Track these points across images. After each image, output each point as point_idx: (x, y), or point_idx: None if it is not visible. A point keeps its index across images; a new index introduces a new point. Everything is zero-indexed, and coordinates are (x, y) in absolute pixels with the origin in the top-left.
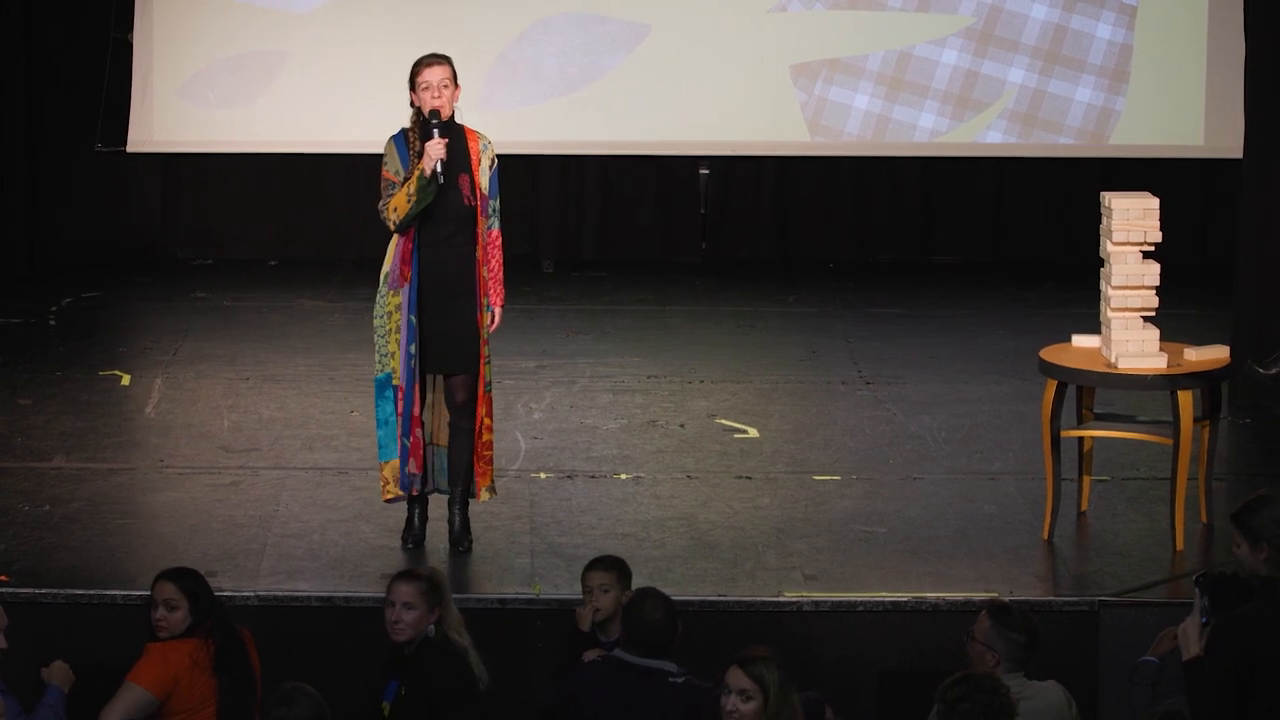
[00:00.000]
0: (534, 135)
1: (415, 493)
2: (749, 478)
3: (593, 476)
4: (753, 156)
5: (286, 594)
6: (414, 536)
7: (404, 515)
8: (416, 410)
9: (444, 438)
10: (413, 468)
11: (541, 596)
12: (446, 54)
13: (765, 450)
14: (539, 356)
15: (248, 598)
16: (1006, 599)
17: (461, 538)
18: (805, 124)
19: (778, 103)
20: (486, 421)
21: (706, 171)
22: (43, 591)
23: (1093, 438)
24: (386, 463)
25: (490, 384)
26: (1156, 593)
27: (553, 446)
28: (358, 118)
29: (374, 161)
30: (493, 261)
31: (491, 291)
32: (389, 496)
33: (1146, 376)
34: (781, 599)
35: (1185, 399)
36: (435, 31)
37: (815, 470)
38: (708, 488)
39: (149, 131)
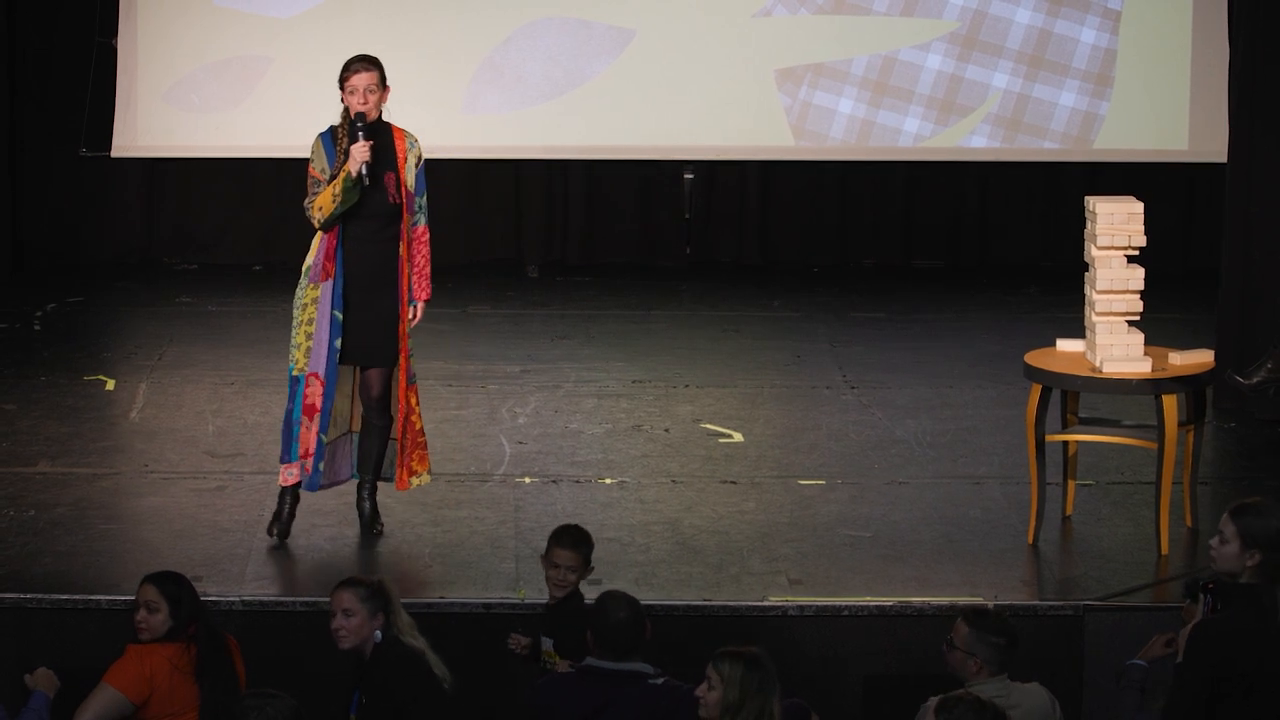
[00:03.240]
0: (518, 139)
1: (296, 485)
2: (734, 482)
3: (577, 481)
4: (737, 161)
5: (271, 599)
6: (281, 529)
7: (398, 518)
8: (319, 404)
9: (358, 423)
10: (308, 460)
11: (526, 601)
12: (375, 56)
13: (750, 455)
14: (524, 361)
15: (233, 603)
16: (986, 604)
17: (373, 521)
18: (789, 128)
19: (762, 107)
20: (416, 409)
21: (691, 176)
22: (27, 597)
23: (1077, 442)
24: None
25: (414, 376)
26: (1141, 597)
27: (537, 451)
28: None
29: None
30: (418, 257)
31: (416, 286)
32: (279, 483)
33: (1131, 381)
34: (766, 603)
35: (1169, 403)
36: (420, 36)
37: (800, 475)
38: (692, 492)
39: (133, 136)
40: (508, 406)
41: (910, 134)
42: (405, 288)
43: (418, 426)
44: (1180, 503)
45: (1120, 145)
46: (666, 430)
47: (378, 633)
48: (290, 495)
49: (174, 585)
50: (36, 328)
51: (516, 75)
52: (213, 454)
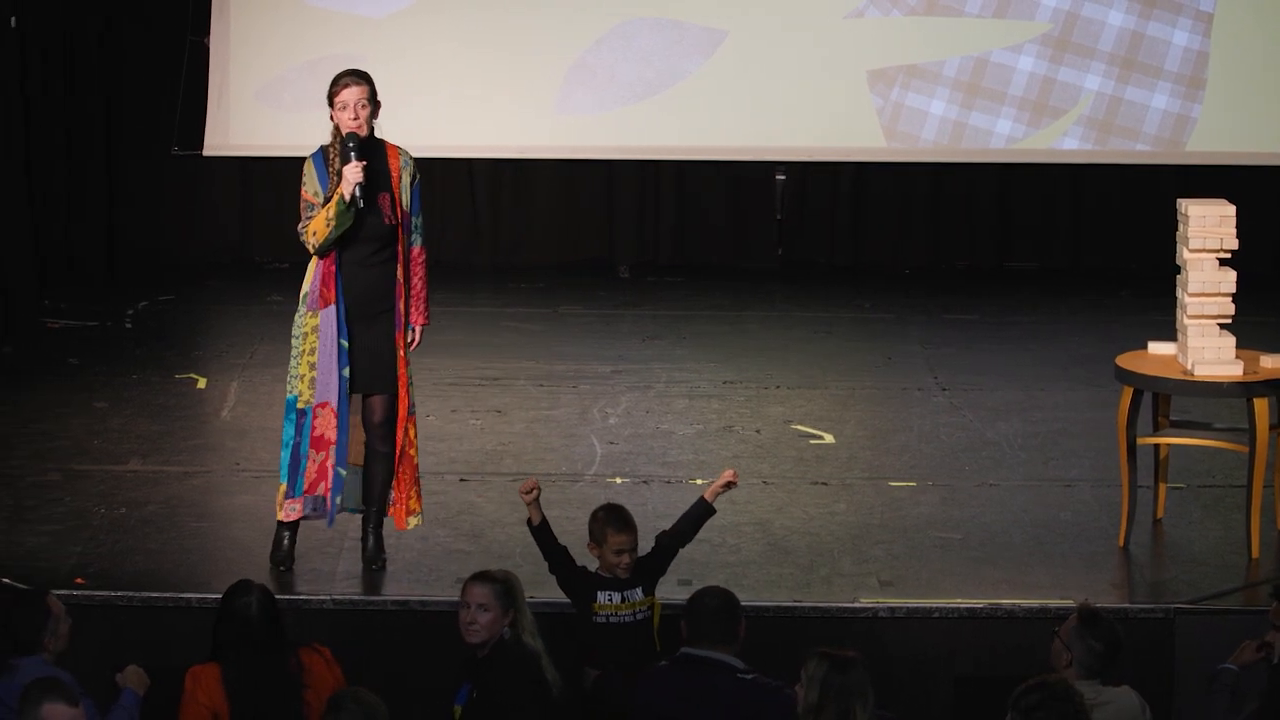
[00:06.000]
0: (611, 140)
1: (300, 515)
2: (825, 483)
3: (668, 482)
4: (829, 162)
5: (361, 598)
6: (283, 558)
7: (488, 517)
8: (332, 435)
9: (360, 457)
10: (321, 491)
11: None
12: (365, 71)
13: (841, 456)
14: (615, 361)
15: (323, 601)
16: (1096, 606)
17: (375, 556)
18: (881, 130)
19: (854, 108)
20: (414, 443)
21: (783, 177)
22: (118, 595)
23: (1169, 445)
24: (282, 484)
25: (413, 406)
26: (1232, 600)
27: (629, 452)
28: (434, 122)
29: (450, 165)
30: (415, 279)
31: (413, 310)
32: (281, 517)
33: (1222, 384)
34: (857, 605)
35: (1261, 406)
36: (512, 36)
37: (891, 476)
38: (783, 493)
39: (225, 135)
40: (599, 407)
41: (1002, 136)
42: (402, 312)
43: (415, 461)
44: (1271, 506)
45: (1212, 148)
46: (758, 431)
47: (506, 629)
48: (290, 527)
49: (224, 597)
50: (128, 326)
51: (609, 75)
52: None
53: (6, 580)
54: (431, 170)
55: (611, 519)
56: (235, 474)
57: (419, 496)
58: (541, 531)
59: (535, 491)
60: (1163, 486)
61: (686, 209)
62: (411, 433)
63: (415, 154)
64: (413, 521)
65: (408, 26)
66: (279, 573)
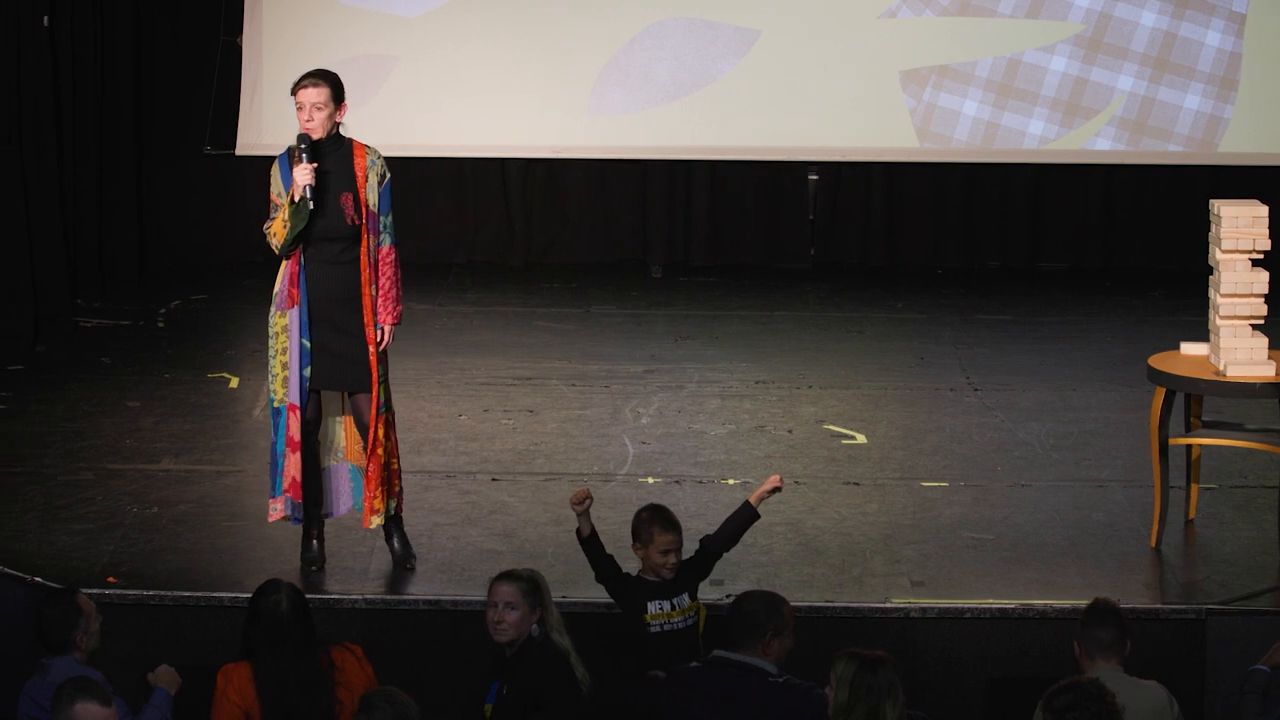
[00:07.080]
0: (644, 140)
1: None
2: (857, 484)
3: (700, 482)
4: (862, 162)
5: (394, 597)
6: (314, 558)
7: (520, 517)
8: (296, 435)
9: (357, 455)
10: (294, 494)
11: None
12: (330, 71)
13: (873, 456)
14: (647, 361)
15: (355, 601)
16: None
17: (405, 558)
18: (914, 130)
19: (887, 109)
20: (384, 441)
21: (815, 177)
22: (150, 594)
23: (1201, 445)
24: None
25: (386, 404)
26: (1264, 601)
27: (660, 451)
28: (466, 121)
29: (483, 165)
30: (383, 279)
31: (382, 309)
32: (269, 518)
33: (1255, 384)
34: (888, 605)
35: None
36: (546, 36)
37: (923, 477)
38: (815, 493)
39: (257, 134)
40: (631, 406)
41: (1035, 136)
42: (370, 311)
43: (383, 460)
44: None
45: (1245, 149)
46: (790, 431)
47: (535, 627)
48: (317, 526)
49: (253, 601)
50: (160, 325)
51: (642, 75)
52: None
53: (38, 579)
54: (463, 170)
55: (657, 519)
56: (267, 473)
57: (384, 496)
58: (591, 543)
59: (587, 503)
60: (1195, 487)
61: (719, 209)
62: (381, 432)
63: (448, 153)
64: (375, 521)
65: (441, 26)
66: (310, 572)
